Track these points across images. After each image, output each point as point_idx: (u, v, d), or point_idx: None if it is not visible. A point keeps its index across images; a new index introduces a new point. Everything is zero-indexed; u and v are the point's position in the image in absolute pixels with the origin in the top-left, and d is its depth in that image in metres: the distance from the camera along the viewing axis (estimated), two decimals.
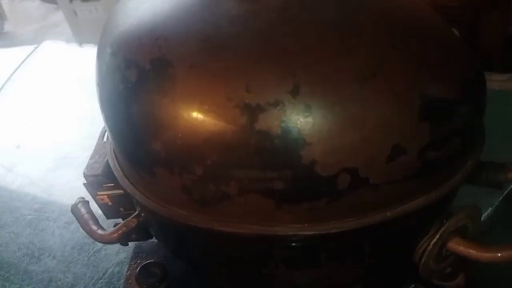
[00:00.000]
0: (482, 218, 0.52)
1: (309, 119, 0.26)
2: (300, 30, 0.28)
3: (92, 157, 0.42)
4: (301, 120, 0.26)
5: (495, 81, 0.75)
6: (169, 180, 0.30)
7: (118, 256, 0.51)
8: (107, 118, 0.33)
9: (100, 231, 0.36)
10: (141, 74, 0.29)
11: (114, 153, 0.37)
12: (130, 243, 0.47)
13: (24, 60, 0.93)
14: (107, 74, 0.32)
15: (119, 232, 0.35)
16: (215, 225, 0.30)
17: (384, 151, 0.27)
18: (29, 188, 0.63)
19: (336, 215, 0.29)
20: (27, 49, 0.98)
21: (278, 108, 0.26)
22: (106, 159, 0.39)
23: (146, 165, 0.31)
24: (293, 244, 0.31)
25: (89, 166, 0.40)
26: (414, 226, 0.33)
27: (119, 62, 0.30)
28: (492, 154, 0.60)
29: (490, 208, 0.54)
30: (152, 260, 0.47)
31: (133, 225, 0.35)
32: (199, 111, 0.28)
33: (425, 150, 0.28)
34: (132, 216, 0.36)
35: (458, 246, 0.34)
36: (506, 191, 0.55)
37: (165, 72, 0.28)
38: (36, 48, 0.97)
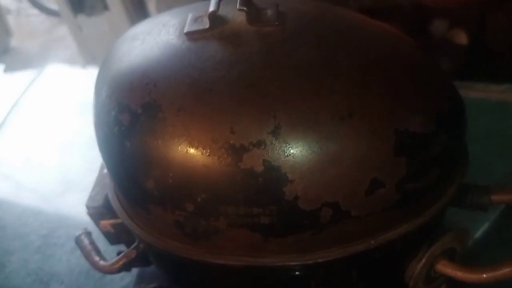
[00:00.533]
0: (478, 234, 0.54)
1: (290, 158, 0.28)
2: (280, 73, 0.29)
3: (93, 189, 0.43)
4: (282, 159, 0.28)
5: (493, 92, 0.76)
6: (162, 216, 0.32)
7: (123, 280, 0.53)
8: (104, 156, 0.35)
9: (102, 262, 0.38)
10: (133, 118, 0.31)
11: (113, 187, 0.39)
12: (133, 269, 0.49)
13: (29, 85, 0.96)
14: (103, 115, 0.34)
15: (120, 263, 0.37)
16: (207, 257, 0.32)
17: (362, 185, 0.29)
18: (37, 213, 0.65)
19: (321, 246, 0.31)
20: (31, 73, 1.01)
21: (261, 148, 0.28)
22: (106, 191, 0.41)
23: (141, 202, 0.33)
24: (283, 274, 0.32)
25: (91, 198, 0.42)
26: (400, 251, 0.34)
27: (113, 105, 0.32)
28: (490, 165, 0.62)
29: (487, 223, 0.55)
30: (155, 285, 0.48)
31: (133, 256, 0.37)
32: (187, 152, 0.29)
33: (402, 182, 0.29)
34: (131, 247, 0.37)
35: (446, 268, 0.36)
36: (504, 206, 0.56)
37: (156, 115, 0.30)
38: (40, 72, 1.00)
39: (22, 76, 1.00)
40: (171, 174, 0.30)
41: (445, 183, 0.34)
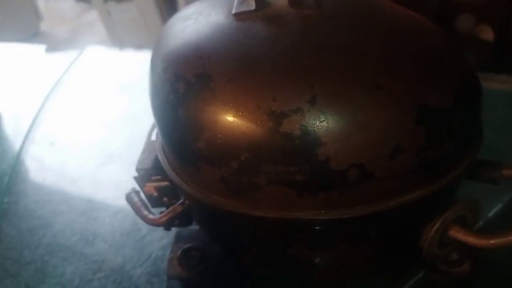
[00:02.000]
0: (491, 214, 0.57)
1: (324, 124, 0.32)
2: (317, 50, 0.34)
3: (142, 153, 0.48)
4: (317, 124, 0.32)
5: (502, 82, 0.79)
6: (210, 173, 0.36)
7: (161, 241, 0.58)
8: (159, 121, 0.40)
9: (151, 216, 0.43)
10: (188, 86, 0.36)
11: (163, 150, 0.44)
12: (172, 230, 0.54)
13: (70, 65, 1.02)
14: (159, 85, 0.38)
15: (167, 216, 0.42)
16: (248, 210, 0.36)
17: (386, 150, 0.33)
18: (81, 181, 0.71)
19: (347, 204, 0.35)
20: (72, 53, 1.07)
21: (298, 114, 0.32)
22: (154, 155, 0.46)
23: (191, 160, 0.38)
24: (312, 227, 0.37)
25: (140, 161, 0.47)
26: (417, 214, 0.38)
27: (169, 76, 0.37)
28: (507, 153, 0.65)
29: (500, 204, 0.58)
30: (191, 245, 0.53)
31: (179, 211, 0.42)
32: (234, 116, 0.34)
33: (421, 150, 0.34)
34: (178, 203, 0.42)
35: (457, 234, 0.40)
36: None
37: (208, 85, 0.35)
38: (80, 53, 1.06)
39: (63, 57, 1.06)
40: (219, 136, 0.35)
41: (460, 155, 0.38)
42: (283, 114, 0.33)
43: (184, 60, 0.37)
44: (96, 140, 0.79)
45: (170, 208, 0.42)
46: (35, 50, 1.10)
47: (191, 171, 0.38)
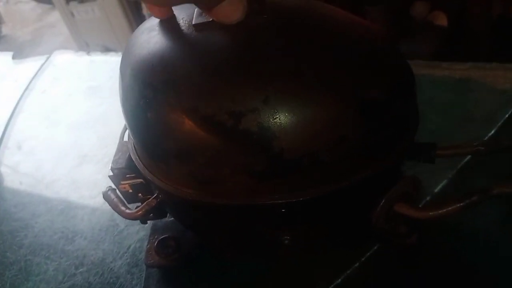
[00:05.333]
0: (437, 189, 0.63)
1: (277, 120, 0.37)
2: (268, 55, 0.39)
3: (116, 153, 0.52)
4: (271, 121, 0.37)
5: (457, 70, 0.86)
6: (179, 168, 0.41)
7: (138, 234, 0.62)
8: (130, 124, 0.44)
9: (128, 211, 0.48)
10: (155, 92, 0.40)
11: (135, 150, 0.48)
12: (148, 224, 0.58)
13: (38, 70, 1.04)
14: (129, 92, 0.42)
15: (143, 210, 0.46)
16: (215, 199, 0.41)
17: (332, 139, 0.38)
18: (58, 183, 0.74)
19: (303, 187, 0.40)
20: (39, 59, 1.08)
21: (255, 113, 0.37)
22: (127, 155, 0.50)
23: (162, 158, 0.42)
24: (273, 211, 0.41)
25: (114, 161, 0.51)
26: (365, 193, 0.44)
27: (138, 83, 0.41)
28: (451, 133, 0.71)
29: (445, 180, 0.64)
30: (167, 235, 0.57)
31: (153, 204, 0.46)
32: (199, 117, 0.38)
33: (363, 137, 0.39)
34: (152, 198, 0.47)
35: (401, 208, 0.45)
36: (460, 165, 0.66)
37: (173, 90, 0.39)
38: (47, 58, 1.08)
39: (30, 63, 1.07)
40: (186, 135, 0.39)
41: (398, 139, 0.43)
42: (241, 113, 0.37)
43: (151, 68, 0.41)
44: (70, 143, 0.82)
45: (145, 203, 0.47)
46: (1, 57, 1.11)
47: (162, 167, 0.43)
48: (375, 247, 0.56)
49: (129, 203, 0.56)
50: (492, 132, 0.70)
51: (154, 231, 0.59)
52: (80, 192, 0.71)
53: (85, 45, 2.66)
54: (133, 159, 0.47)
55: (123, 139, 0.54)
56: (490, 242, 0.57)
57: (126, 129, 0.54)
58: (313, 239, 0.48)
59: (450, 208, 0.43)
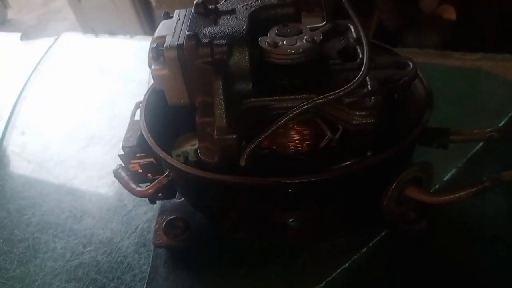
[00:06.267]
0: (447, 177, 0.63)
1: None
2: None
3: (127, 132, 0.52)
4: None
5: (468, 60, 0.85)
6: None
7: (146, 215, 0.62)
8: None
9: (138, 188, 0.48)
10: None
11: (147, 128, 0.48)
12: (156, 204, 0.58)
13: (46, 52, 1.03)
14: None
15: (154, 187, 0.46)
16: (227, 178, 0.41)
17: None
18: (66, 163, 0.74)
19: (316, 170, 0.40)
20: (47, 40, 1.08)
21: None
22: (139, 133, 0.50)
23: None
24: (285, 191, 0.41)
25: (125, 139, 0.51)
26: (377, 177, 0.44)
27: None
28: (461, 122, 0.71)
29: (455, 169, 0.64)
30: (175, 216, 0.57)
31: (164, 182, 0.46)
32: None
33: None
34: (163, 176, 0.46)
35: (412, 193, 0.45)
36: (470, 155, 0.65)
37: None
38: (55, 40, 1.07)
39: (38, 44, 1.07)
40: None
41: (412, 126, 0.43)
42: None
43: None
44: (78, 124, 0.82)
45: (156, 180, 0.46)
46: (9, 38, 1.11)
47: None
48: (383, 233, 0.56)
49: (138, 183, 0.56)
50: (503, 122, 0.69)
51: (162, 212, 0.59)
52: (88, 172, 0.71)
53: (91, 31, 2.65)
54: (145, 137, 0.47)
55: (134, 118, 0.54)
56: (498, 231, 0.57)
57: (138, 107, 0.54)
58: (322, 222, 0.48)
59: (462, 194, 0.43)
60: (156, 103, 0.52)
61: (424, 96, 0.48)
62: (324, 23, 0.53)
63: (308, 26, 0.54)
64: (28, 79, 0.95)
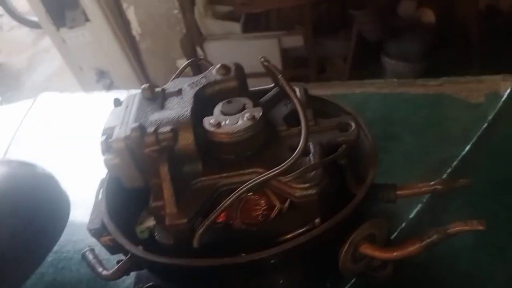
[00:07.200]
0: (412, 214, 0.64)
1: None
2: None
3: (92, 213, 0.54)
4: None
5: (432, 86, 0.86)
6: None
7: (125, 283, 0.63)
8: None
9: (104, 272, 0.49)
10: None
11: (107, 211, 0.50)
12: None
13: (25, 115, 1.06)
14: None
15: (119, 272, 0.48)
16: (179, 261, 0.43)
17: None
18: None
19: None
20: (25, 103, 1.10)
21: None
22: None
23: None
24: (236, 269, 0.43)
25: (91, 222, 0.53)
26: (332, 239, 0.45)
27: None
28: (427, 153, 0.72)
29: (420, 205, 0.65)
30: (151, 283, 0.59)
31: (128, 265, 0.48)
32: None
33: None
34: (125, 259, 0.48)
35: (366, 250, 0.46)
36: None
37: None
38: (34, 101, 1.10)
39: (17, 107, 1.10)
40: None
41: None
42: None
43: None
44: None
45: (120, 264, 0.48)
46: None
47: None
48: (353, 280, 0.57)
49: (112, 254, 0.58)
50: (466, 150, 0.70)
51: (138, 280, 0.60)
52: (69, 242, 0.72)
53: (79, 70, 2.68)
54: (106, 223, 0.49)
55: (98, 198, 0.56)
56: (465, 264, 0.58)
57: (101, 187, 0.56)
58: (293, 280, 0.49)
59: (412, 249, 0.45)
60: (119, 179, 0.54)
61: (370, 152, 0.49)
62: (272, 85, 0.55)
63: (258, 88, 0.56)
64: (9, 145, 0.97)
